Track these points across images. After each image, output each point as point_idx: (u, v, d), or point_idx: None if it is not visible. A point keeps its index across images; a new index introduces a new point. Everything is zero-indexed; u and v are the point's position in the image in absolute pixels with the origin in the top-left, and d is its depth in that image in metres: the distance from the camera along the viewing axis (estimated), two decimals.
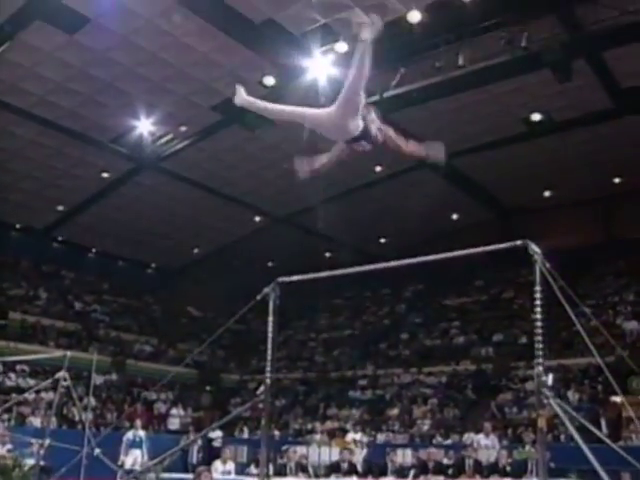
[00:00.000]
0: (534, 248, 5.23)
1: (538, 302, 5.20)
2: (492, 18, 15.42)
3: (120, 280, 30.77)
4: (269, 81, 17.95)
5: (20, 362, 21.34)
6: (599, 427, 16.29)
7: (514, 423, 19.29)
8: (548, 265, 5.18)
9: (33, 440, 12.99)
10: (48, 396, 19.71)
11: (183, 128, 20.87)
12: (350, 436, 17.73)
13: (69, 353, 11.72)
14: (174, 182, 23.96)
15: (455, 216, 27.20)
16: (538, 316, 5.18)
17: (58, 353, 13.19)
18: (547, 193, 25.41)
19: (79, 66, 17.53)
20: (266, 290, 6.35)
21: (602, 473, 4.63)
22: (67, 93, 18.58)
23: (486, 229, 24.75)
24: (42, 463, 11.50)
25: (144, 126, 20.40)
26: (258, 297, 6.33)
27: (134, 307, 30.81)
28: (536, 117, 19.63)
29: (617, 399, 17.40)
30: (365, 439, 18.05)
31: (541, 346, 5.10)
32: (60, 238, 28.99)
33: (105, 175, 23.42)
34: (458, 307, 27.82)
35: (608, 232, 26.36)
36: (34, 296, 26.94)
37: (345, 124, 4.94)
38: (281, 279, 6.43)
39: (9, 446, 13.44)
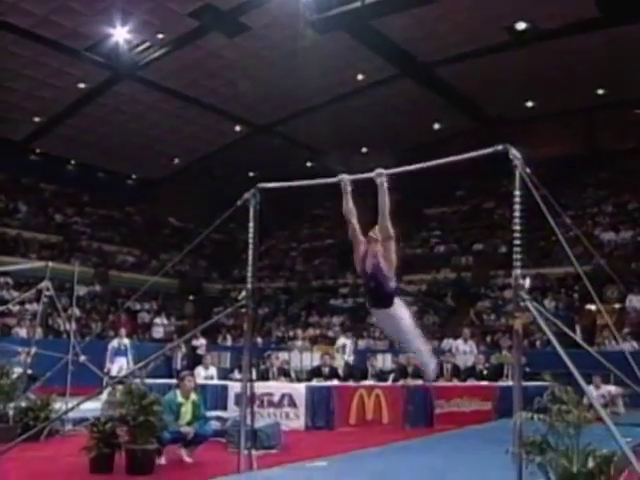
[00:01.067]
0: (515, 153, 5.23)
1: (517, 207, 5.23)
2: None
3: (101, 192, 30.54)
4: None
5: (3, 274, 21.41)
6: (574, 333, 16.75)
7: (492, 330, 19.81)
8: (528, 170, 5.20)
9: (20, 349, 13.16)
10: (32, 307, 19.91)
11: (160, 36, 20.35)
12: (341, 340, 18.08)
13: (51, 264, 11.76)
14: (153, 92, 23.53)
15: (437, 126, 27.04)
16: (517, 221, 5.22)
17: (40, 264, 13.20)
18: (530, 103, 25.24)
19: None
20: (246, 195, 6.34)
21: (576, 374, 4.79)
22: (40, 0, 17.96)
23: (468, 139, 24.55)
24: (29, 371, 11.70)
25: (120, 34, 19.88)
26: (239, 202, 6.32)
27: (115, 218, 30.76)
28: (521, 25, 19.29)
29: (592, 307, 17.86)
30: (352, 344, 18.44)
31: (519, 250, 5.17)
32: (38, 150, 28.58)
33: (82, 85, 22.92)
34: (439, 216, 28.04)
35: (590, 143, 26.39)
36: (14, 209, 26.78)
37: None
38: (261, 185, 6.41)
39: None
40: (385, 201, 5.92)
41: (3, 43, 19.87)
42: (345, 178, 6.27)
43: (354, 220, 6.15)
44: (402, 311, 6.01)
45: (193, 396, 8.53)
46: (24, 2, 17.99)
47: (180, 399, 8.40)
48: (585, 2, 17.64)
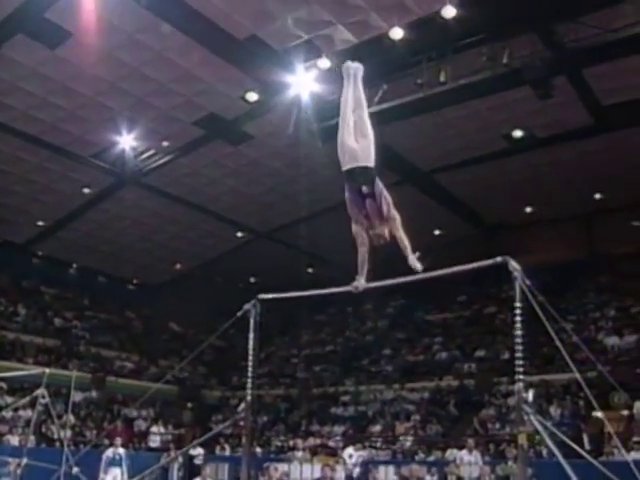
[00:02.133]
0: (514, 265, 5.23)
1: (518, 318, 5.20)
2: (473, 35, 15.53)
3: (101, 296, 30.51)
4: (252, 97, 18.04)
5: None
6: (581, 442, 16.30)
7: (497, 439, 19.29)
8: (528, 282, 5.18)
9: (10, 459, 12.80)
10: (26, 414, 19.47)
11: (165, 143, 20.79)
12: (348, 450, 17.61)
13: (48, 370, 11.62)
14: (156, 197, 23.85)
15: (437, 232, 27.25)
16: (518, 332, 5.17)
17: (37, 370, 13.03)
18: (529, 209, 25.53)
19: (61, 81, 17.42)
20: (247, 307, 6.31)
21: None
22: (49, 108, 18.45)
23: (469, 245, 24.81)
24: None
25: (126, 141, 20.31)
26: (239, 314, 6.30)
27: (115, 323, 30.55)
28: (518, 133, 19.73)
29: (599, 414, 17.46)
30: (363, 453, 17.91)
31: (522, 362, 5.09)
32: (40, 253, 28.72)
33: (86, 190, 23.25)
34: (440, 322, 27.84)
35: (590, 248, 26.49)
36: (13, 312, 26.62)
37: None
38: (262, 296, 6.39)
39: None
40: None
41: (11, 148, 20.29)
42: (359, 285, 6.25)
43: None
44: None
45: None
46: (33, 110, 18.47)
47: None
48: (578, 111, 18.13)
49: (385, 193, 5.81)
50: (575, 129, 19.10)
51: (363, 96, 5.99)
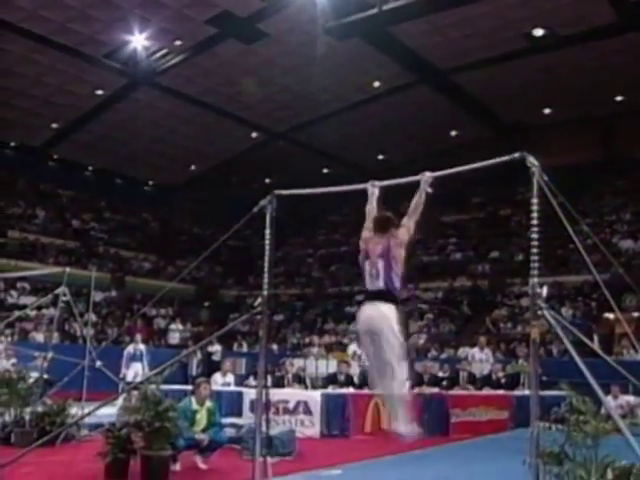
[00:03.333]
0: (532, 160, 5.17)
1: (535, 215, 5.17)
2: None
3: (118, 198, 30.73)
4: None
5: (20, 279, 21.55)
6: (592, 342, 16.61)
7: (508, 338, 19.67)
8: (546, 178, 5.14)
9: (37, 354, 13.23)
10: (49, 312, 19.99)
11: (178, 42, 20.44)
12: (352, 348, 18.01)
13: (68, 269, 11.83)
14: (170, 98, 23.64)
15: (454, 133, 26.96)
16: (534, 229, 5.16)
17: (57, 269, 13.28)
18: (547, 110, 25.11)
19: None
20: (263, 202, 6.30)
21: (594, 384, 4.72)
22: (58, 7, 18.09)
23: (485, 146, 24.36)
24: (46, 376, 11.74)
25: (138, 41, 19.99)
26: (255, 209, 6.30)
27: (132, 224, 30.90)
28: (538, 32, 19.18)
29: (610, 316, 17.70)
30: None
31: (537, 258, 5.11)
32: (56, 156, 28.78)
33: (100, 92, 23.07)
34: (455, 224, 27.93)
35: (608, 151, 26.17)
36: (32, 215, 26.97)
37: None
38: (277, 192, 6.39)
39: (13, 360, 13.73)
40: (421, 203, 5.80)
41: (22, 50, 20.03)
42: (377, 184, 6.22)
43: (370, 219, 6.06)
44: (395, 325, 5.54)
45: (208, 403, 8.54)
46: (42, 10, 18.14)
47: (195, 406, 8.41)
48: (603, 8, 17.53)
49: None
50: (598, 27, 18.52)
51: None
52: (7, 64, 20.69)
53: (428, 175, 5.84)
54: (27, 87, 22.29)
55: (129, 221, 30.93)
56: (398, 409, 5.71)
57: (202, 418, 8.38)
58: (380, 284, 5.61)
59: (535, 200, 5.15)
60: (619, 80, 21.56)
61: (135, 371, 14.94)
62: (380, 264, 5.65)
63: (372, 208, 6.15)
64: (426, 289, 24.29)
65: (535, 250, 5.13)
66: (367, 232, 5.99)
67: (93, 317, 18.25)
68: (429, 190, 5.81)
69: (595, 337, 17.69)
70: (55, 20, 18.65)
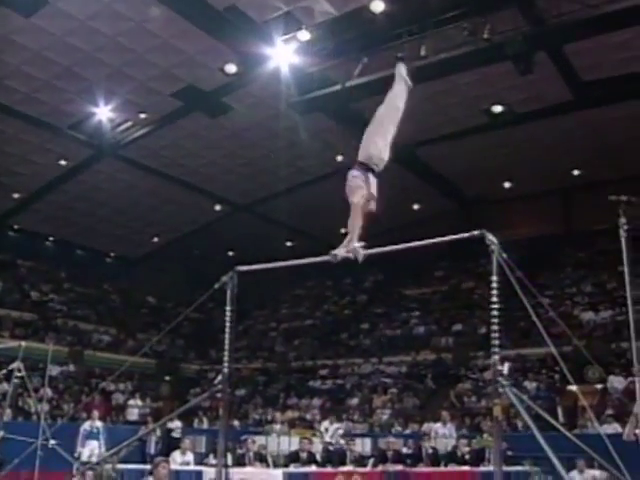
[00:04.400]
0: (491, 238, 5.21)
1: (495, 292, 5.19)
2: (455, 9, 15.43)
3: (78, 269, 30.29)
4: (231, 69, 17.86)
5: None
6: (556, 415, 16.55)
7: (473, 412, 19.50)
8: (505, 256, 5.17)
9: None
10: (2, 387, 19.36)
11: (143, 115, 20.57)
12: (324, 424, 17.75)
13: (24, 343, 11.50)
14: (134, 170, 23.65)
15: (417, 206, 27.32)
16: (495, 306, 5.17)
17: (13, 343, 12.93)
18: (507, 184, 25.64)
19: (36, 50, 17.11)
20: (224, 279, 6.26)
21: (555, 460, 4.67)
22: (24, 77, 18.15)
23: (447, 219, 24.86)
24: None
25: (103, 113, 20.08)
26: (216, 285, 6.25)
27: (92, 296, 30.39)
28: (497, 109, 19.76)
29: (573, 388, 17.69)
30: (339, 426, 18.03)
31: (497, 335, 5.10)
32: (16, 226, 28.44)
33: (63, 162, 23.00)
34: (418, 297, 28.01)
35: (568, 224, 26.71)
36: None
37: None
38: (239, 268, 6.34)
39: None
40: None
41: None
42: (335, 252, 6.13)
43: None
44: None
45: None
46: (8, 80, 18.18)
47: None
48: (559, 86, 18.16)
49: None
50: (555, 105, 19.15)
51: (402, 107, 6.80)
52: None
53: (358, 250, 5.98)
54: None
55: (89, 293, 30.43)
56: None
57: None
58: None
59: (495, 277, 5.19)
60: (576, 154, 22.20)
61: (91, 450, 14.41)
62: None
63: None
64: (389, 363, 24.14)
65: (496, 326, 5.13)
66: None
67: (49, 392, 17.75)
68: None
69: (559, 410, 17.64)
70: (20, 90, 18.68)
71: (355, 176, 6.44)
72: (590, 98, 18.60)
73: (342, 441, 16.12)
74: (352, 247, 6.04)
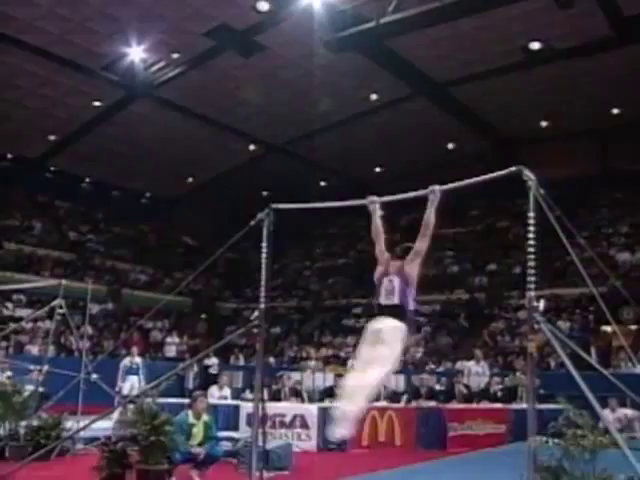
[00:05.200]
0: (528, 174, 5.17)
1: (531, 229, 5.17)
2: None
3: (115, 210, 30.67)
4: (263, 6, 17.62)
5: (16, 291, 21.49)
6: (589, 355, 16.57)
7: (506, 351, 19.64)
8: (542, 192, 5.14)
9: (32, 367, 13.17)
10: (45, 325, 19.93)
11: (175, 55, 20.46)
12: (350, 362, 18.02)
13: (64, 282, 11.79)
14: (167, 110, 23.66)
15: (451, 146, 26.99)
16: (531, 242, 5.16)
17: (53, 282, 13.25)
18: (544, 123, 25.16)
19: None
20: (260, 216, 6.30)
21: (591, 398, 4.70)
22: (56, 19, 18.09)
23: (482, 159, 24.56)
24: (41, 389, 11.69)
25: (136, 53, 20.01)
26: (252, 223, 6.29)
27: (129, 236, 30.83)
28: (535, 45, 19.23)
29: (607, 328, 17.68)
30: None
31: (534, 272, 5.10)
32: (53, 168, 28.77)
33: (97, 103, 23.08)
34: (452, 236, 27.92)
35: (605, 164, 26.23)
36: (29, 226, 26.92)
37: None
38: (275, 205, 6.38)
39: (9, 373, 13.66)
40: (432, 221, 5.77)
41: (19, 61, 20.04)
42: (376, 200, 6.15)
43: (381, 239, 6.14)
44: (401, 340, 5.52)
45: (205, 417, 8.49)
46: (40, 21, 18.15)
47: (192, 420, 8.37)
48: (599, 22, 17.59)
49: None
50: (595, 41, 18.56)
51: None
52: (4, 75, 20.68)
53: (438, 189, 5.79)
54: (24, 99, 22.29)
55: (126, 233, 30.86)
56: (347, 405, 5.19)
57: (199, 432, 8.33)
58: (395, 299, 5.66)
59: (532, 214, 5.15)
60: (615, 93, 21.64)
61: (131, 384, 14.85)
62: (396, 280, 5.73)
63: (377, 226, 6.17)
64: (423, 302, 24.22)
65: (532, 264, 5.12)
66: (381, 253, 6.09)
67: (89, 330, 18.19)
68: (436, 203, 5.82)
69: (593, 350, 17.68)
70: (52, 32, 18.66)
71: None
72: (632, 34, 18.00)
73: None
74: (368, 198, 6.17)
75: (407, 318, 5.63)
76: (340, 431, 5.10)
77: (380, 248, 6.08)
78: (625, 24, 17.65)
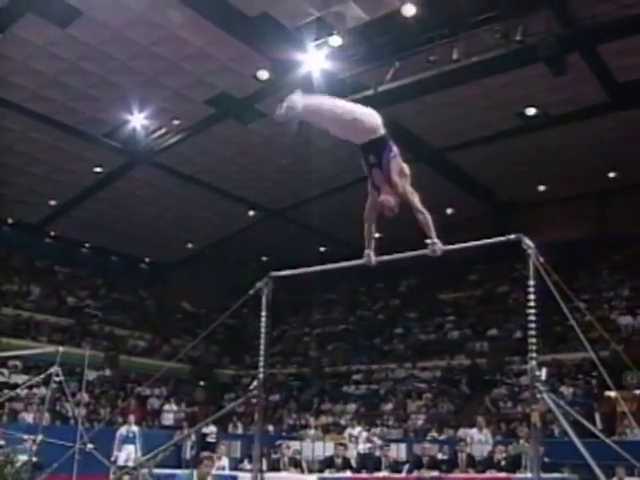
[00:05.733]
0: (527, 242, 5.17)
1: (532, 297, 5.14)
2: (487, 12, 15.33)
3: (114, 275, 30.66)
4: (263, 75, 17.93)
5: (12, 358, 21.25)
6: (593, 422, 16.30)
7: (509, 418, 19.33)
8: (542, 259, 5.13)
9: (25, 436, 12.92)
10: (41, 392, 19.64)
11: (176, 122, 20.76)
12: (348, 431, 17.75)
13: (61, 348, 11.68)
14: (168, 176, 23.86)
15: (450, 210, 27.12)
16: (532, 311, 5.12)
17: (51, 348, 13.12)
18: (542, 187, 25.37)
19: (72, 60, 17.40)
20: (259, 284, 6.28)
21: (595, 468, 4.59)
22: (60, 87, 18.45)
23: (481, 223, 24.68)
24: (35, 459, 11.44)
25: (137, 120, 20.30)
26: (251, 292, 6.27)
27: (128, 302, 30.70)
28: (531, 111, 19.55)
29: (611, 394, 17.43)
30: (362, 432, 18.03)
31: (535, 340, 5.05)
32: (53, 233, 28.86)
33: (98, 170, 23.29)
34: (453, 302, 27.82)
35: (604, 226, 26.33)
36: (27, 292, 26.81)
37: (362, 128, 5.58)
38: (274, 273, 6.36)
39: (1, 442, 13.39)
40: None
41: (22, 128, 20.32)
42: (371, 258, 5.95)
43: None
44: None
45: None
46: (44, 90, 18.49)
47: None
48: (593, 88, 17.93)
49: (394, 158, 5.67)
50: (589, 106, 18.90)
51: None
52: (7, 141, 20.91)
53: (439, 247, 5.75)
54: (26, 165, 22.49)
55: (125, 299, 30.74)
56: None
57: None
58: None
59: (532, 282, 5.14)
60: (612, 157, 21.89)
61: (127, 454, 14.59)
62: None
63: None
64: (424, 368, 24.01)
65: (533, 332, 5.08)
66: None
67: (86, 397, 17.95)
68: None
69: (597, 416, 17.38)
70: (56, 99, 18.98)
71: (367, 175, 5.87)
72: (626, 99, 18.32)
73: (369, 445, 16.07)
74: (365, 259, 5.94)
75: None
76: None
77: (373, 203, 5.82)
78: (618, 90, 18.01)
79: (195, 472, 8.25)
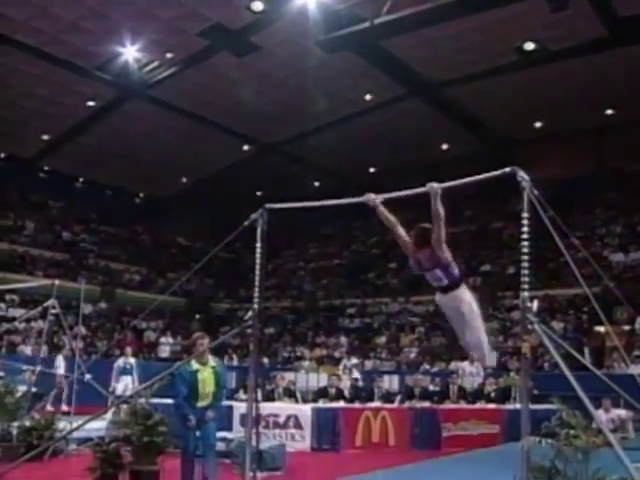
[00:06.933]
0: (522, 175, 5.16)
1: (525, 230, 5.16)
2: None
3: (108, 209, 30.65)
4: (257, 6, 17.55)
5: (9, 291, 21.42)
6: (582, 355, 16.60)
7: (500, 351, 19.65)
8: (536, 192, 5.13)
9: (25, 367, 13.12)
10: (38, 325, 19.88)
11: (169, 55, 20.42)
12: (343, 362, 18.05)
13: (57, 282, 11.74)
14: (161, 110, 23.61)
15: (445, 146, 27.03)
16: (525, 243, 5.15)
17: (47, 282, 13.20)
18: (538, 124, 25.20)
19: None
20: (254, 216, 6.27)
21: (584, 398, 4.69)
22: (50, 18, 18.05)
23: (476, 159, 24.46)
24: (34, 389, 11.64)
25: (130, 53, 19.96)
26: (246, 223, 6.26)
27: (123, 236, 30.80)
28: (529, 46, 19.23)
29: (601, 329, 17.72)
30: (356, 362, 18.35)
31: (527, 272, 5.10)
32: (47, 168, 28.72)
33: (91, 103, 23.03)
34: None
35: (599, 164, 26.26)
36: (21, 226, 26.86)
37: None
38: (269, 205, 6.36)
39: (1, 373, 13.61)
40: (440, 211, 5.99)
41: (13, 61, 19.99)
42: (372, 197, 6.15)
43: (398, 228, 6.25)
44: (468, 295, 6.17)
45: (212, 362, 7.71)
46: (35, 21, 18.11)
47: (196, 366, 7.56)
48: (593, 23, 17.63)
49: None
50: (589, 42, 18.57)
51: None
52: None
53: (437, 186, 5.82)
54: (18, 98, 22.24)
55: (119, 233, 30.82)
56: (483, 347, 6.36)
57: (207, 379, 7.51)
58: (445, 282, 6.10)
59: (526, 215, 5.14)
60: (609, 93, 21.67)
61: (125, 385, 14.80)
62: (439, 272, 6.06)
63: (387, 218, 6.22)
64: (417, 302, 24.26)
65: (526, 265, 5.12)
66: (405, 244, 6.26)
67: (83, 330, 18.14)
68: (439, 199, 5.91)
69: (586, 350, 17.71)
70: (47, 31, 18.61)
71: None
72: (626, 35, 18.02)
73: (357, 374, 16.43)
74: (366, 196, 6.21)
75: (459, 282, 6.18)
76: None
77: (403, 238, 6.25)
78: (619, 25, 17.69)
79: (193, 361, 7.57)
